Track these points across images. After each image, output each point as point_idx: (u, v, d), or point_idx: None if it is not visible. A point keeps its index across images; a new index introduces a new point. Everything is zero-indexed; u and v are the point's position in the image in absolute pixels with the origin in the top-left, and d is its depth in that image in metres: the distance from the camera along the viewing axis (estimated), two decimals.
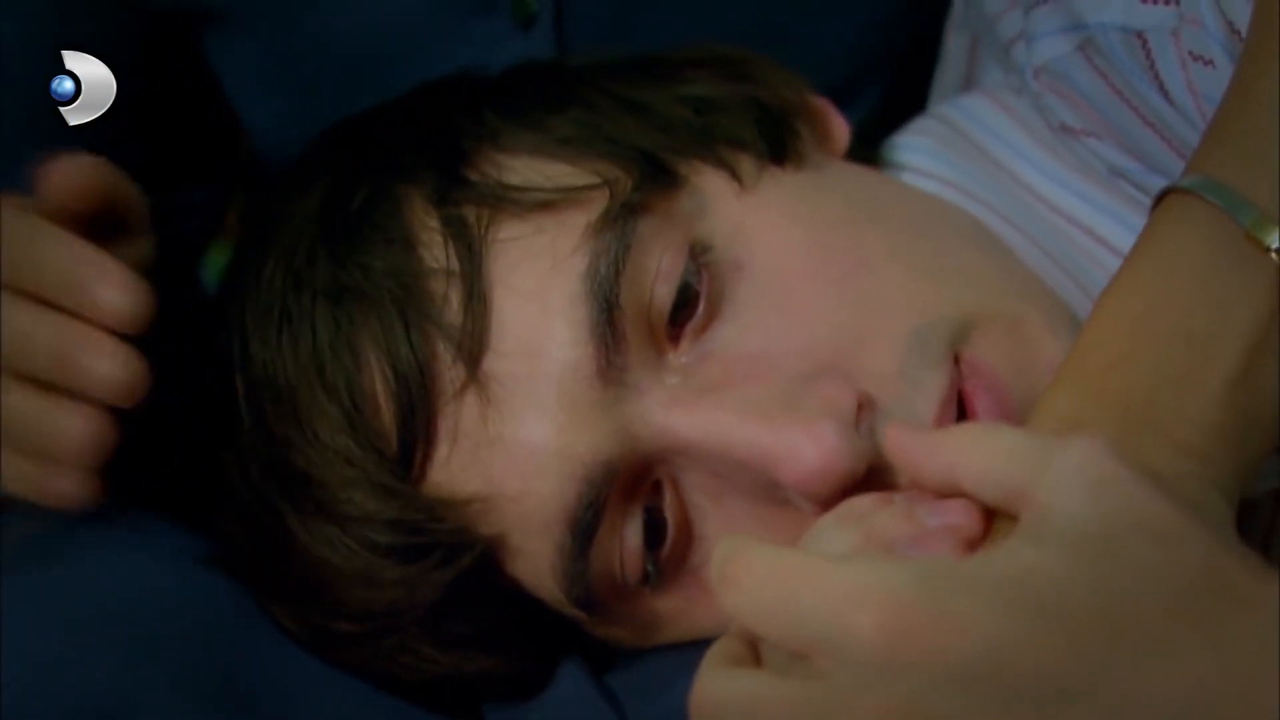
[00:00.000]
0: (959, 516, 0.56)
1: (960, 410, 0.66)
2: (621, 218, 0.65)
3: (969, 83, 0.83)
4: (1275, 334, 0.57)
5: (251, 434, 0.67)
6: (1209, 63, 0.66)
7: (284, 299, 0.67)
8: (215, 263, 1.19)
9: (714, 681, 0.54)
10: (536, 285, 0.65)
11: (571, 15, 0.84)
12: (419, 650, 0.68)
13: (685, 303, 0.66)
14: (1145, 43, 0.68)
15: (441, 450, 0.65)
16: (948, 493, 0.56)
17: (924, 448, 0.56)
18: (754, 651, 0.56)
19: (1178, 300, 0.58)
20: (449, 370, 0.65)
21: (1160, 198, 0.61)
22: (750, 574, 0.52)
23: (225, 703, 0.68)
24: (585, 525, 0.65)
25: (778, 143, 0.71)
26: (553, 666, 0.71)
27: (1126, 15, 0.69)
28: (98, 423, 0.65)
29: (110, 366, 0.64)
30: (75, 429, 0.65)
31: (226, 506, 0.69)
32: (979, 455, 0.54)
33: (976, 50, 0.83)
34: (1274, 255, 0.57)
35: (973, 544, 0.56)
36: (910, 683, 0.49)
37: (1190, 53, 0.66)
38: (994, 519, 0.56)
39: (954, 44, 0.85)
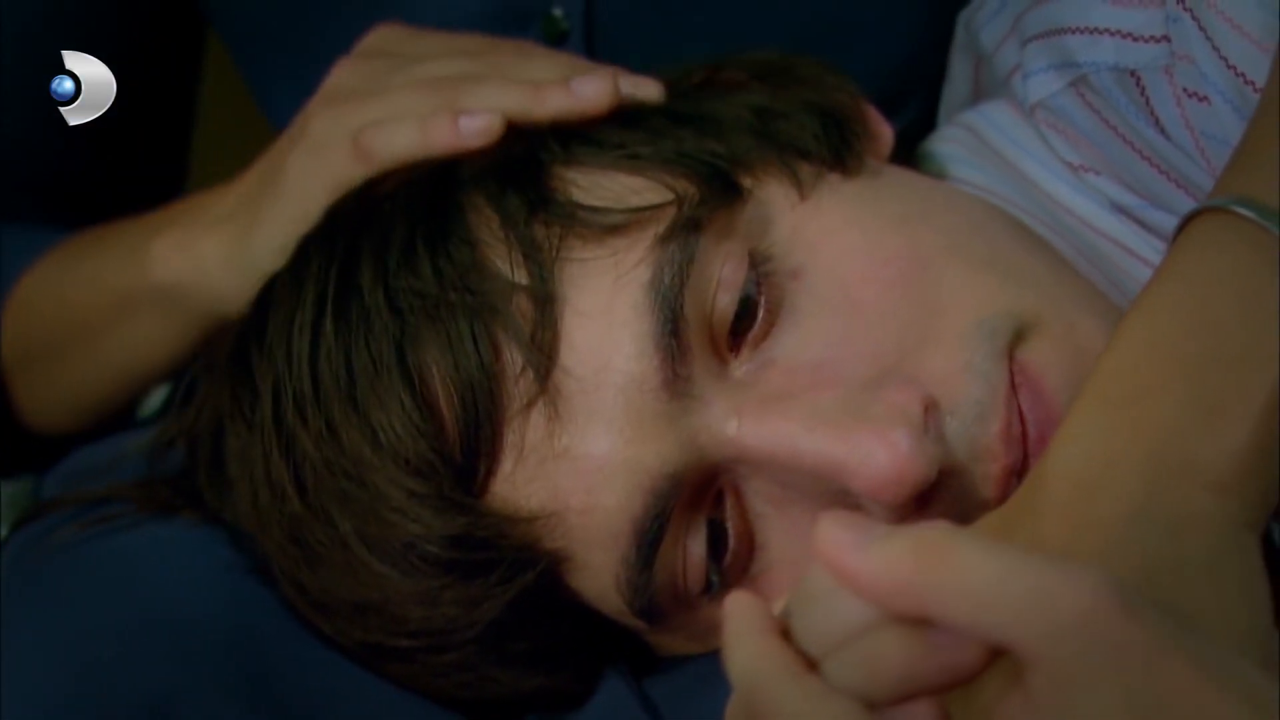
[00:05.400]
0: (966, 656, 0.50)
1: None
2: (685, 230, 0.66)
3: (975, 103, 0.84)
4: None
5: (307, 446, 0.67)
6: (1204, 99, 0.67)
7: (339, 308, 0.67)
8: None
9: None
10: (602, 300, 0.65)
11: (602, 33, 0.86)
12: (477, 668, 0.68)
13: (746, 313, 0.66)
14: (1139, 80, 0.69)
15: (506, 465, 0.65)
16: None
17: (892, 576, 0.48)
18: None
19: (1213, 321, 0.57)
20: (515, 384, 0.65)
21: (1186, 220, 0.60)
22: None
23: (262, 707, 0.68)
24: (651, 537, 0.65)
25: (836, 149, 0.72)
26: (598, 677, 0.71)
27: (1118, 54, 0.70)
28: None
29: None
30: None
31: (269, 515, 0.69)
32: (963, 603, 0.47)
33: (980, 73, 0.84)
34: None
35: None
36: None
37: (1185, 89, 0.67)
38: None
39: (957, 66, 0.86)
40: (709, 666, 0.68)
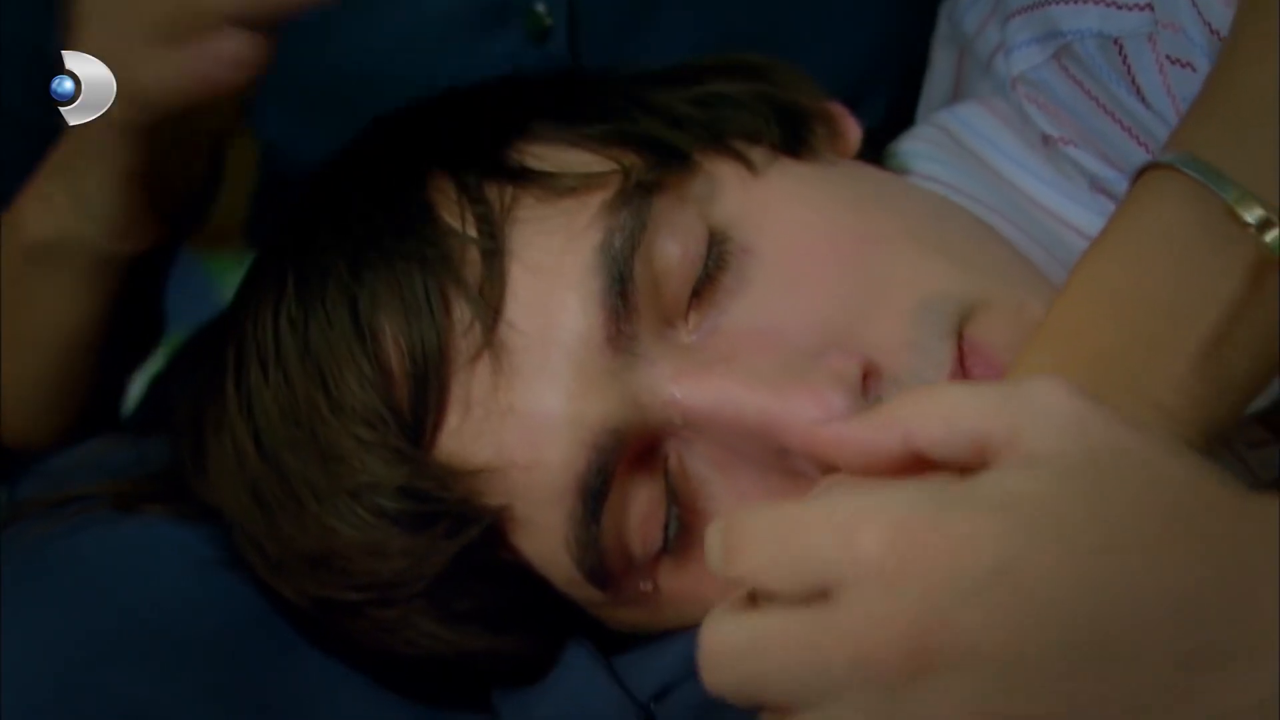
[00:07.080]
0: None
1: None
2: (637, 196, 0.67)
3: (957, 97, 0.85)
4: (1249, 308, 0.58)
5: (265, 399, 0.68)
6: (1187, 65, 0.68)
7: (301, 272, 0.69)
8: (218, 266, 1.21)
9: (721, 627, 0.53)
10: (551, 259, 0.66)
11: (585, 27, 0.86)
12: (420, 625, 0.69)
13: (698, 282, 0.67)
14: (1121, 48, 0.70)
15: (453, 419, 0.66)
16: (907, 466, 0.55)
17: (873, 426, 0.54)
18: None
19: (1154, 273, 0.59)
20: (462, 338, 0.66)
21: (1140, 173, 0.62)
22: (751, 537, 0.52)
23: (243, 707, 0.69)
24: (595, 491, 0.66)
25: (790, 135, 0.73)
26: (557, 649, 0.72)
27: (1102, 22, 0.70)
28: None
29: None
30: None
31: (233, 476, 0.70)
32: (937, 416, 0.53)
33: (963, 64, 0.85)
34: (1253, 231, 0.58)
35: None
36: (918, 594, 0.49)
37: (1168, 56, 0.68)
38: None
39: (940, 59, 0.87)
40: (678, 646, 0.69)
